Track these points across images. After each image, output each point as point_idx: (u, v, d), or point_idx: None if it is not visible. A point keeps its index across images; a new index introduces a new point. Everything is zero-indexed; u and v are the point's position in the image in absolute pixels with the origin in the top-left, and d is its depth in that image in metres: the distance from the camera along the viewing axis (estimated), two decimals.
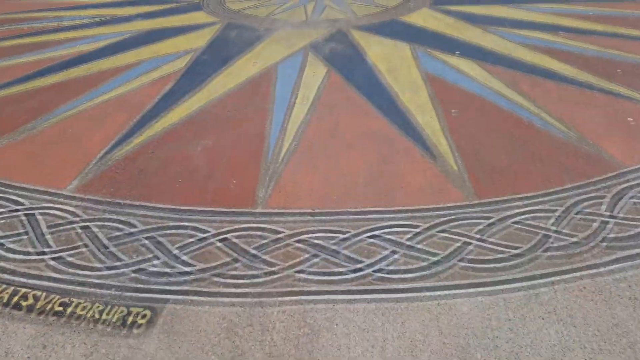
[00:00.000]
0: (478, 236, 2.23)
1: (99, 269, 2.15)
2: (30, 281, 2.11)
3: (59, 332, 1.91)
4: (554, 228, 2.25)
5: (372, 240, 2.23)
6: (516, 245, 2.18)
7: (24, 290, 2.07)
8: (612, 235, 2.21)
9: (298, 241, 2.24)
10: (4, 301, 2.03)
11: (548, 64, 3.63)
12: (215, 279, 2.09)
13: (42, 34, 4.46)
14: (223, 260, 2.17)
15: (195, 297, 2.02)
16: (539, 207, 2.38)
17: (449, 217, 2.34)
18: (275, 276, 2.08)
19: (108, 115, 3.24)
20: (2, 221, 2.42)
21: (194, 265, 2.15)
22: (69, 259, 2.20)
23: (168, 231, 2.33)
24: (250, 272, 2.10)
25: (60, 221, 2.40)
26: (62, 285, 2.08)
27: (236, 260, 2.16)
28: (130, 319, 1.94)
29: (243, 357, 1.81)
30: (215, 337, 1.87)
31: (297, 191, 2.55)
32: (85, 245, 2.26)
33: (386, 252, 2.17)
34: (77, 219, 2.42)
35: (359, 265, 2.11)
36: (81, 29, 4.58)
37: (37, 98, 3.46)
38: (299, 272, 2.10)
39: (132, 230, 2.34)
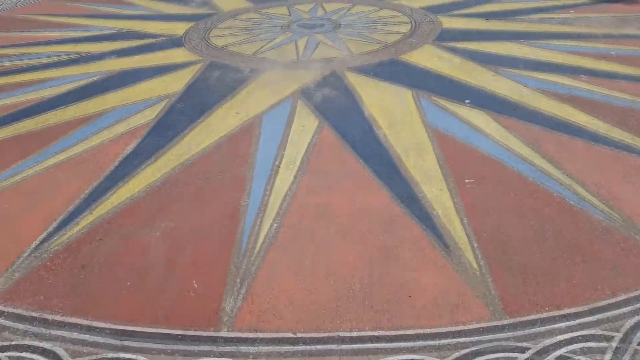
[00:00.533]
0: None
1: None
2: None
3: None
4: None
5: None
6: None
7: None
8: None
9: None
10: None
11: (572, 117, 3.01)
12: None
13: (2, 76, 3.84)
14: None
15: None
16: (588, 332, 1.75)
17: (472, 348, 1.71)
18: None
19: (55, 186, 2.61)
20: None
21: None
22: None
23: None
24: None
25: None
26: None
27: None
28: None
29: None
30: None
31: (274, 302, 1.91)
32: None
33: None
34: None
35: None
36: (47, 69, 3.95)
37: None
38: None
39: None
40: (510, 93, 3.30)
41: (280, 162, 2.73)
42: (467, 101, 3.24)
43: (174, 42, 4.39)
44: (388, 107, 3.21)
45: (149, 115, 3.23)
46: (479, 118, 3.05)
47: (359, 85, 3.51)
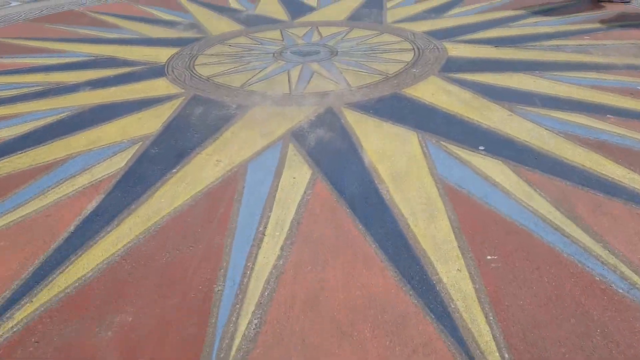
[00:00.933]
0: None
1: None
2: None
3: None
4: None
5: None
6: None
7: None
8: None
9: None
10: None
11: (605, 170, 2.52)
12: None
13: None
14: None
15: None
16: None
17: None
18: None
19: None
20: None
21: None
22: None
23: None
24: None
25: None
26: None
27: None
28: None
29: None
30: None
31: None
32: None
33: None
34: None
35: None
36: (11, 103, 3.45)
37: None
38: None
39: None
40: (529, 138, 2.81)
41: (265, 228, 2.23)
42: (481, 147, 2.74)
43: (156, 72, 3.90)
44: (391, 155, 2.71)
45: (118, 164, 2.73)
46: (496, 169, 2.56)
47: (357, 126, 3.02)
